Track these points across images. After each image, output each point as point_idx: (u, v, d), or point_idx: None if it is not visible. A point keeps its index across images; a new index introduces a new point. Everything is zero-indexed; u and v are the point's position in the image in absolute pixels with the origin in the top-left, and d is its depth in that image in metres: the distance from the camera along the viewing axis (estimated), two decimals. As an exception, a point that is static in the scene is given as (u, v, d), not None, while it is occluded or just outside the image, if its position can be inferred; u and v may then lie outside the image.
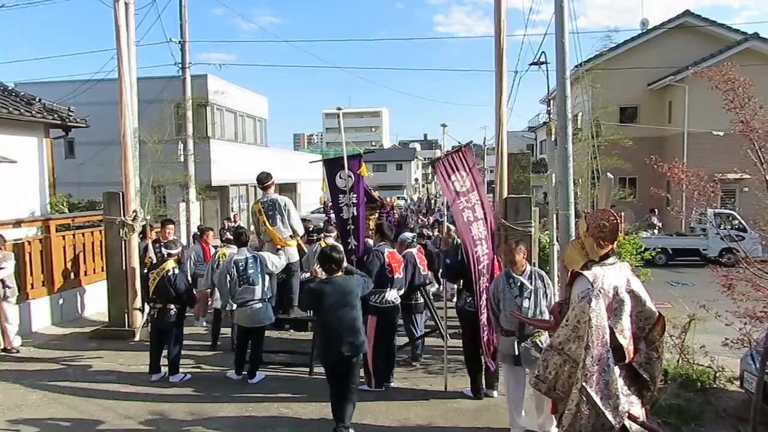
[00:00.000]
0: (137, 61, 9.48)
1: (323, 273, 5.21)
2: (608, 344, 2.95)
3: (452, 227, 8.24)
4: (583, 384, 2.90)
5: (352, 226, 6.48)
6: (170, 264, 6.38)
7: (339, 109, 8.06)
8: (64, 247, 9.33)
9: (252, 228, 8.34)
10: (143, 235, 8.81)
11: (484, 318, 5.71)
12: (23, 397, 5.99)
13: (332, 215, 7.24)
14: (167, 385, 6.31)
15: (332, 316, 4.84)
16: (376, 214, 8.61)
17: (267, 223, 7.11)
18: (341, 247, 5.87)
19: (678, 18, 22.64)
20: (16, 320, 7.72)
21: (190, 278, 7.83)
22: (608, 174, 7.66)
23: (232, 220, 17.07)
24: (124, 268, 8.38)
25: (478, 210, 5.78)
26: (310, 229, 9.69)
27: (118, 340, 8.02)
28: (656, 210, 18.28)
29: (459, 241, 8.67)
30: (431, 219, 16.58)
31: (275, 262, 6.57)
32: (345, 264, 5.26)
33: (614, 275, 3.09)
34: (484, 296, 5.69)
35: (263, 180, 7.30)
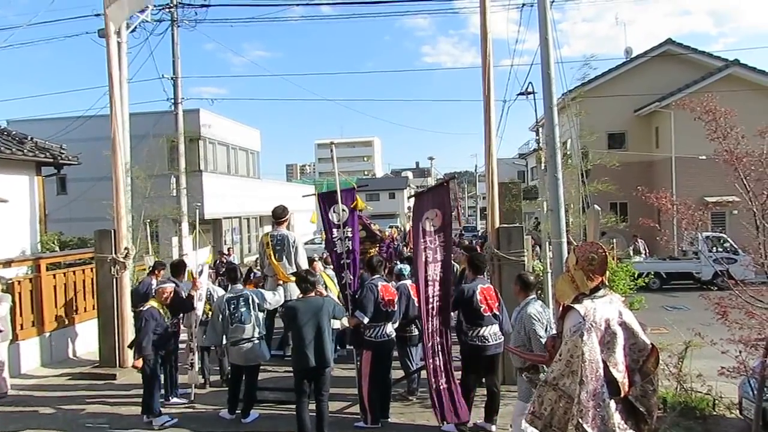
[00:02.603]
0: (129, 96, 9.60)
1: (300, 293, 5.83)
2: (603, 378, 2.93)
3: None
4: (579, 420, 2.87)
5: (347, 261, 6.46)
6: (149, 303, 6.35)
7: (332, 143, 8.11)
8: (55, 286, 9.22)
9: (256, 259, 8.27)
10: (153, 271, 8.63)
11: (434, 363, 5.79)
12: (11, 443, 5.85)
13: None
14: (159, 425, 6.17)
15: (304, 331, 5.41)
16: (376, 248, 8.63)
17: (273, 257, 7.09)
18: (316, 272, 6.48)
19: (661, 46, 23.20)
20: (6, 363, 7.57)
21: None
22: (595, 206, 7.74)
23: (227, 253, 16.96)
24: (115, 306, 8.29)
25: (439, 252, 5.87)
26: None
27: (108, 381, 7.87)
28: (637, 236, 18.35)
29: (458, 269, 8.69)
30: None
31: (268, 299, 6.53)
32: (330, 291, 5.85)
33: (606, 308, 3.08)
34: (435, 339, 5.81)
35: (279, 215, 7.31)
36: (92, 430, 6.14)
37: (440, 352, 5.83)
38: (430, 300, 5.83)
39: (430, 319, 5.80)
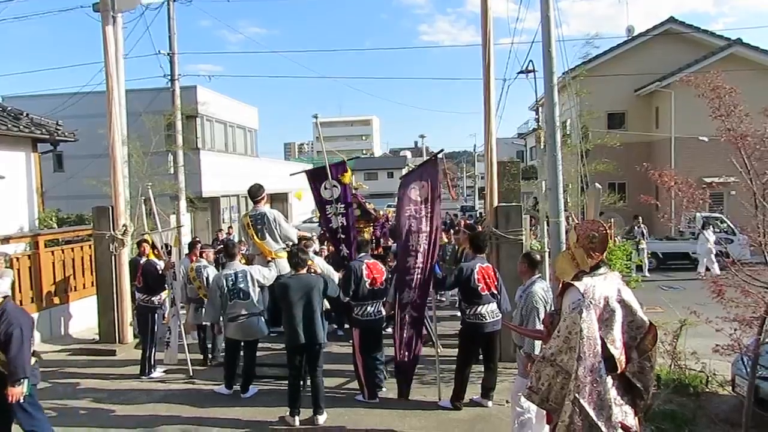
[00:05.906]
0: (126, 73, 9.48)
1: (292, 270, 5.79)
2: (600, 355, 2.96)
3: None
4: (576, 395, 2.91)
5: (342, 235, 6.46)
6: None
7: (315, 116, 8.00)
8: (53, 263, 9.23)
9: (238, 241, 8.25)
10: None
11: (405, 335, 5.87)
12: (12, 416, 5.89)
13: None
14: (159, 400, 6.25)
15: (296, 308, 5.43)
16: (371, 227, 8.61)
17: (255, 237, 7.06)
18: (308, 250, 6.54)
19: (663, 25, 22.92)
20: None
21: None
22: (596, 184, 7.74)
23: (227, 231, 16.94)
24: (114, 282, 8.31)
25: (425, 223, 5.81)
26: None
27: (108, 356, 7.93)
28: (641, 218, 18.13)
29: (458, 249, 8.71)
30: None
31: (265, 275, 6.54)
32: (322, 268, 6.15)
33: (605, 285, 3.10)
34: (408, 312, 5.84)
35: (255, 193, 7.23)
36: (92, 404, 6.20)
37: (409, 325, 5.86)
38: (411, 271, 5.77)
39: (406, 290, 5.77)
